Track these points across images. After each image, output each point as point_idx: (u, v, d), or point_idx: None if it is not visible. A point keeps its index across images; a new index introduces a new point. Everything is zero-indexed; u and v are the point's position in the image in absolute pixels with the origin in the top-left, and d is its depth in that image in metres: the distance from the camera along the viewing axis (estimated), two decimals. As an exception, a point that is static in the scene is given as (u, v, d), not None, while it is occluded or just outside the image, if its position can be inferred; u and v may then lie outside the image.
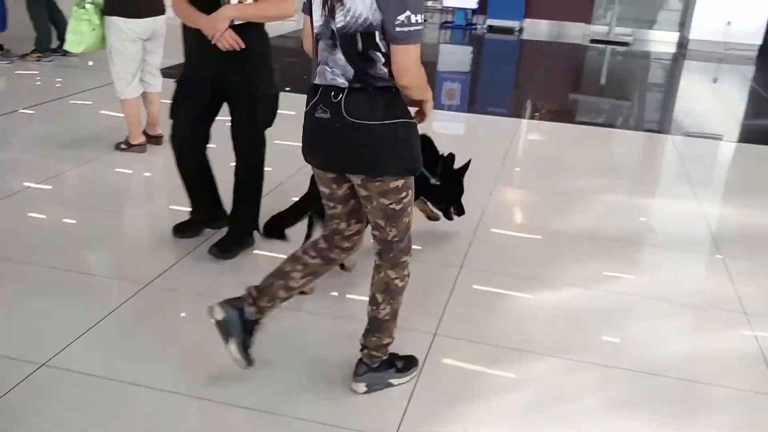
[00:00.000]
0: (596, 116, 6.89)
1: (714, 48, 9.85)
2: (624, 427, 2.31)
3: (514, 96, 7.70)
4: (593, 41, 10.40)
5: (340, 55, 2.02)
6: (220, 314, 2.27)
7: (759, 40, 9.79)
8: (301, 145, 2.21)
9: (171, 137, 3.21)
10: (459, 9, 11.12)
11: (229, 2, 2.88)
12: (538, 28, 11.16)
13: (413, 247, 2.32)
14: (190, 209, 3.43)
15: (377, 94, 2.03)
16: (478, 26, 11.14)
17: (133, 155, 4.53)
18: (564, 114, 6.76)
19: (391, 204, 2.14)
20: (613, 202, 4.19)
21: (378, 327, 2.32)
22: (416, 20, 1.92)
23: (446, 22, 11.33)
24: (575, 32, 10.82)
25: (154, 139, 4.70)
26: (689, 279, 3.39)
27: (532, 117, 6.40)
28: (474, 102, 7.38)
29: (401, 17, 1.91)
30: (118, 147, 4.61)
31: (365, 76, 2.01)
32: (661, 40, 10.57)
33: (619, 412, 2.37)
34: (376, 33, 1.95)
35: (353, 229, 2.32)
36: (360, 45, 1.98)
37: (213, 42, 2.88)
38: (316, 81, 2.10)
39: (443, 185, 3.32)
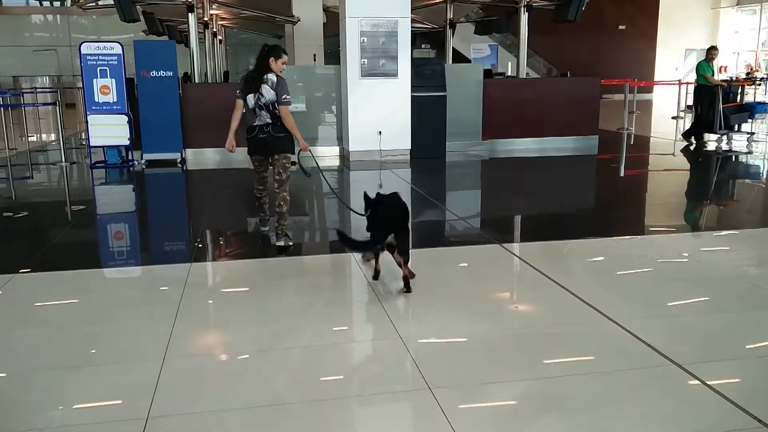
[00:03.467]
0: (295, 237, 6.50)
1: (372, 156, 10.44)
2: None
3: (188, 234, 6.98)
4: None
5: (265, 113, 5.58)
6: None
7: (408, 145, 10.65)
8: (246, 151, 5.84)
9: None
10: (110, 147, 10.20)
11: None
12: (203, 157, 10.77)
13: None
14: None
15: (281, 125, 5.62)
16: (136, 162, 10.31)
17: None
18: (249, 248, 6.29)
19: (287, 163, 5.71)
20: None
21: (283, 216, 5.72)
22: (288, 97, 5.61)
23: (98, 162, 10.27)
24: (243, 157, 10.58)
25: None
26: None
27: (214, 258, 5.79)
28: (148, 248, 6.52)
29: (283, 95, 5.56)
30: None
31: (275, 119, 5.61)
32: (324, 155, 10.85)
33: None
34: (275, 103, 5.56)
35: (267, 175, 6.03)
36: (270, 108, 5.58)
37: None
38: (256, 123, 5.61)
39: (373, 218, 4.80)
